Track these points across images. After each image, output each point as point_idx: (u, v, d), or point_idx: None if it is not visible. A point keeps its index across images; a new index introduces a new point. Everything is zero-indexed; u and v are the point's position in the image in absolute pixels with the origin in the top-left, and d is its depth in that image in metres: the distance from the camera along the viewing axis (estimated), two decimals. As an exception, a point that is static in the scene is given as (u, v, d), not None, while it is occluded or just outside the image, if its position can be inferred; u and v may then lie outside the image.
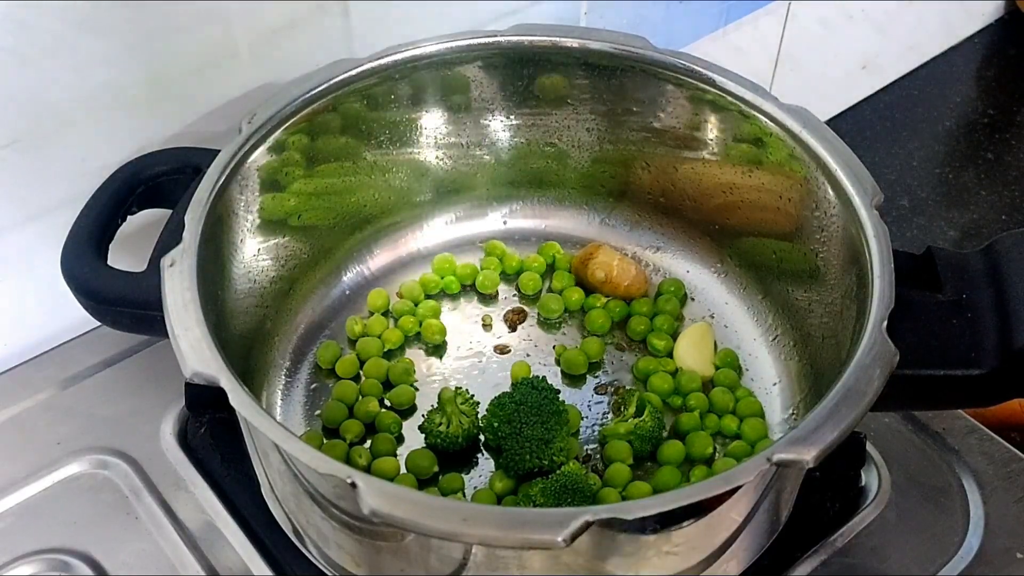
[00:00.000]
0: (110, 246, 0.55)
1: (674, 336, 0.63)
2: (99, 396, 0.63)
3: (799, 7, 0.89)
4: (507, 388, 0.59)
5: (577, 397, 0.60)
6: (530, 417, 0.54)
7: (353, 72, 0.59)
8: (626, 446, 0.56)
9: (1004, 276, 0.50)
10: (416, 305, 0.65)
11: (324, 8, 0.63)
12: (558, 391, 0.56)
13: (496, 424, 0.55)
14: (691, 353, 0.62)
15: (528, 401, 0.55)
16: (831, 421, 0.43)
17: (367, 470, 0.56)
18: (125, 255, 0.56)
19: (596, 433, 0.58)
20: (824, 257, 0.57)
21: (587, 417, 0.59)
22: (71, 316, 0.57)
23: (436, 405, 0.58)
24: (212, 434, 0.60)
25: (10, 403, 0.62)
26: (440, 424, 0.56)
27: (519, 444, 0.54)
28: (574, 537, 0.39)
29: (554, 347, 0.63)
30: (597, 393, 0.61)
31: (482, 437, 0.57)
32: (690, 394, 0.60)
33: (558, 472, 0.53)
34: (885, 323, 0.47)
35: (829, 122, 0.57)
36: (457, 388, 0.58)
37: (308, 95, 0.58)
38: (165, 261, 0.49)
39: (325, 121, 0.59)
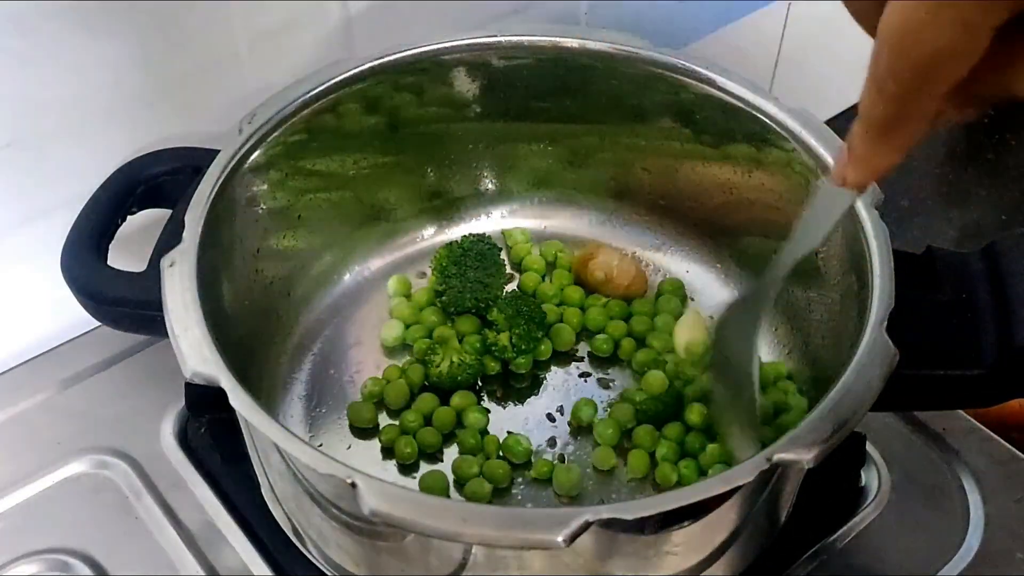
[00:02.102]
0: (110, 246, 0.55)
1: (673, 335, 0.63)
2: (99, 396, 0.63)
3: (799, 7, 0.89)
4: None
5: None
6: (474, 262, 0.62)
7: (353, 72, 0.59)
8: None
9: (1004, 276, 0.50)
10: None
11: (324, 8, 0.63)
12: (500, 248, 0.64)
13: (444, 265, 0.62)
14: (686, 334, 0.61)
15: (473, 250, 0.62)
16: (831, 421, 0.43)
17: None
18: (125, 255, 0.56)
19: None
20: (824, 257, 0.57)
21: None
22: (71, 316, 0.57)
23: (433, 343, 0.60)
24: (212, 434, 0.60)
25: (10, 403, 0.62)
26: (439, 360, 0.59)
27: (461, 284, 0.61)
28: (573, 537, 0.39)
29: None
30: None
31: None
32: (689, 382, 0.59)
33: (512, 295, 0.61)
34: (885, 323, 0.47)
35: (829, 122, 0.57)
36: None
37: (308, 95, 0.58)
38: (165, 261, 0.49)
39: (324, 121, 0.59)
